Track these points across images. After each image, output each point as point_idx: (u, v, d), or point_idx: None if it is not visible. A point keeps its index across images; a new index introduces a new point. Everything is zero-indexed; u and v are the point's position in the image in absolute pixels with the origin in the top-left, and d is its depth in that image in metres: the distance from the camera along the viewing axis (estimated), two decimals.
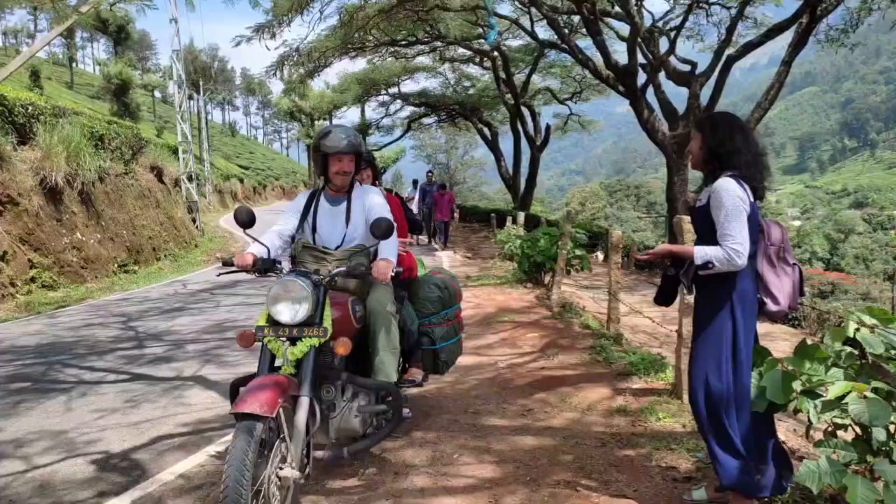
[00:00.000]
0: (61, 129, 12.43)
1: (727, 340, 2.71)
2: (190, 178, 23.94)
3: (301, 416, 2.74)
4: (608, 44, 14.55)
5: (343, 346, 2.91)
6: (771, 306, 2.78)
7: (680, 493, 3.10)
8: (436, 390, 4.99)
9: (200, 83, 54.22)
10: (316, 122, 53.69)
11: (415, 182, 19.75)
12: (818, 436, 2.79)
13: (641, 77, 14.37)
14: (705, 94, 14.16)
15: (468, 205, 20.05)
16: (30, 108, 12.18)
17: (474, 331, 7.19)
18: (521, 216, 13.51)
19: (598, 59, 14.76)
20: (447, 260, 14.40)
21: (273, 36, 15.50)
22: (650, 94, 14.66)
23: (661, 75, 14.58)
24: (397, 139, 35.75)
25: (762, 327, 9.26)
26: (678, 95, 15.25)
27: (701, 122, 2.95)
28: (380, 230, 3.02)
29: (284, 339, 2.89)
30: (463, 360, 5.84)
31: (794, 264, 2.84)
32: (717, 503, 2.94)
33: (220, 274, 3.45)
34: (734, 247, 2.62)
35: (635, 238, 17.00)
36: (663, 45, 15.46)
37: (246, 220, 3.11)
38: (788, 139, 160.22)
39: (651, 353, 5.70)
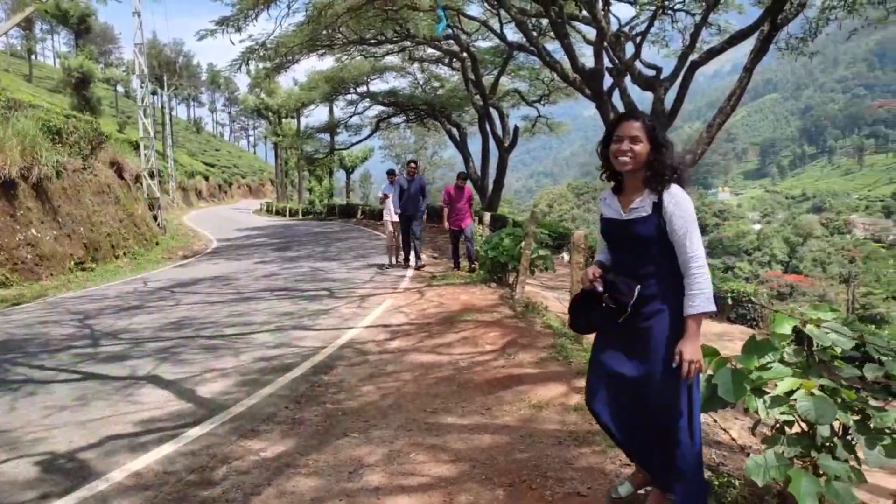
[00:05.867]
0: (16, 122, 12.09)
1: None
2: (152, 175, 23.48)
3: None
4: (575, 47, 14.67)
5: None
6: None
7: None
8: (395, 390, 4.95)
9: (164, 78, 53.31)
10: (283, 120, 53.28)
11: (390, 173, 13.02)
12: (766, 432, 2.84)
13: (608, 81, 14.53)
14: (669, 98, 14.37)
15: (436, 204, 19.89)
16: None
17: (436, 329, 7.17)
18: (487, 216, 13.53)
19: (565, 62, 14.86)
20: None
21: (238, 30, 15.32)
22: (616, 98, 14.80)
23: (627, 79, 14.75)
24: (365, 138, 35.54)
25: (719, 327, 9.32)
26: (643, 100, 15.45)
27: (654, 131, 2.60)
28: None
29: None
30: (423, 359, 5.83)
31: None
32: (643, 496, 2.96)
33: None
34: (704, 265, 2.52)
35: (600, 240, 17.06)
36: (629, 49, 15.66)
37: None
38: (750, 144, 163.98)
39: None
